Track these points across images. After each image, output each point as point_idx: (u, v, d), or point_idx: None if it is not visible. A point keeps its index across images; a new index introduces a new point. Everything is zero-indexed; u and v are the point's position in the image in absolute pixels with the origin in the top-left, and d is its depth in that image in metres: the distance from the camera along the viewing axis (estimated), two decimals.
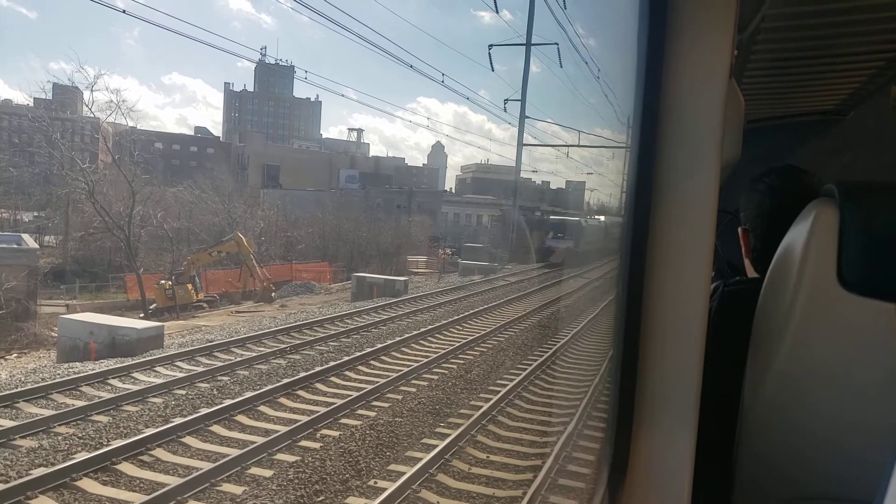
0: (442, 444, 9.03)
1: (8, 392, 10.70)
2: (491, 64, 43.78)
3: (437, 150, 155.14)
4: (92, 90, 36.41)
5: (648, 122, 1.37)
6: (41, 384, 11.25)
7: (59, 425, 9.49)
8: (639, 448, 1.44)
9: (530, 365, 13.62)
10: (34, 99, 47.06)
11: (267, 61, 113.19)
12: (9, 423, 9.40)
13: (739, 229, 2.14)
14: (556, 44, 35.02)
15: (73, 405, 10.36)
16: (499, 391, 11.67)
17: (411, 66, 46.82)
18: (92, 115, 42.17)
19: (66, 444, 8.80)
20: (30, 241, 29.74)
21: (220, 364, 13.25)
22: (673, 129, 1.36)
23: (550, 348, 15.51)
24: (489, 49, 36.61)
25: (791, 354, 1.43)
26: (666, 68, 1.34)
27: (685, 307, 1.39)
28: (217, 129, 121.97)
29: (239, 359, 13.75)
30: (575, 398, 11.87)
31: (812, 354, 1.42)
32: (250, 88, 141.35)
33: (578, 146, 34.23)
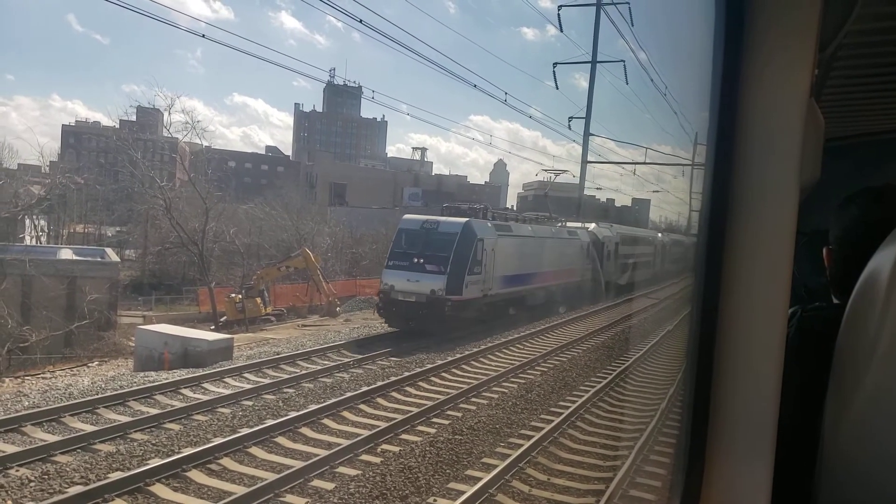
0: (503, 465, 8.91)
1: (90, 398, 11.32)
2: (555, 81, 44.47)
3: (499, 168, 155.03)
4: (169, 112, 38.57)
5: (723, 141, 1.33)
6: (119, 391, 11.85)
7: (134, 431, 9.94)
8: (711, 479, 1.38)
9: (594, 386, 13.33)
10: (120, 121, 50.34)
11: (336, 82, 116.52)
12: (90, 428, 9.93)
13: (825, 249, 2.02)
14: (623, 61, 34.67)
15: (148, 413, 10.84)
16: (561, 412, 11.46)
17: (475, 86, 47.91)
18: (170, 136, 44.43)
19: (141, 449, 9.19)
20: (112, 255, 31.43)
21: (286, 376, 13.59)
22: (749, 150, 1.32)
23: (615, 370, 15.12)
24: (553, 67, 36.64)
25: (876, 386, 1.32)
26: (742, 88, 1.31)
27: (762, 333, 1.34)
28: (285, 148, 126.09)
29: (304, 371, 14.07)
30: (640, 423, 11.51)
31: None
32: (318, 108, 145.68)
33: (645, 163, 33.54)
